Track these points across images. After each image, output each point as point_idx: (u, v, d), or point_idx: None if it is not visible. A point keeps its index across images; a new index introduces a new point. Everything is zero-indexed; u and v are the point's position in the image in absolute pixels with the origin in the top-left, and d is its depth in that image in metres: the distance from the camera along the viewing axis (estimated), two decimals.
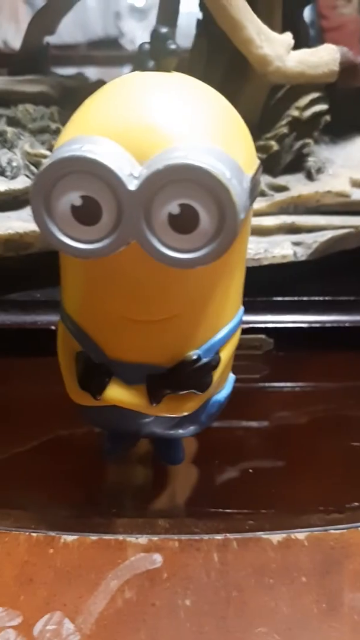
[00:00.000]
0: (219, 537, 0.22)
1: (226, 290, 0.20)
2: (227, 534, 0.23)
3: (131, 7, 1.49)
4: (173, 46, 0.19)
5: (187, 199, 0.16)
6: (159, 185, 0.16)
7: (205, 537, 0.22)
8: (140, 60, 0.19)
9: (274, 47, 0.33)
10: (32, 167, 0.32)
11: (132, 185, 0.16)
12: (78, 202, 0.16)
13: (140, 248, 0.16)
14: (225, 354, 0.21)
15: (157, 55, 0.18)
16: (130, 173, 0.16)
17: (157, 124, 0.16)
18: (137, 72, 0.19)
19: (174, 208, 0.16)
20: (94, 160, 0.15)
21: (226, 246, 0.16)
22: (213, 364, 0.20)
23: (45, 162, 0.16)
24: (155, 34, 0.18)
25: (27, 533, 0.22)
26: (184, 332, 0.20)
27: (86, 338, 0.20)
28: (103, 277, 0.18)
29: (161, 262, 0.17)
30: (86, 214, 0.16)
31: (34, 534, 0.22)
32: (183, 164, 0.15)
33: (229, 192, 0.15)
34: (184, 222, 0.16)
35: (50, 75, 0.39)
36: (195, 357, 0.20)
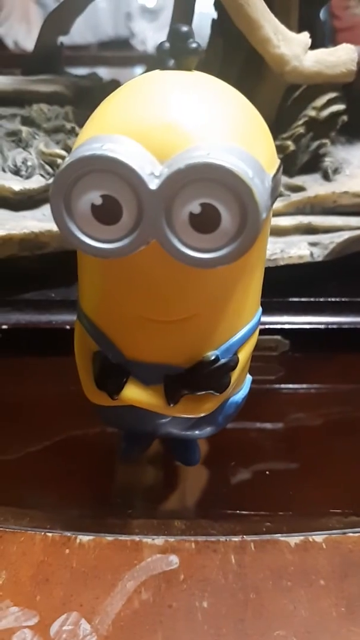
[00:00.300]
0: (236, 538, 0.22)
1: (245, 290, 0.19)
2: (244, 536, 0.22)
3: (142, 7, 1.49)
4: (194, 45, 0.18)
5: (209, 198, 0.16)
6: (181, 184, 0.15)
7: (222, 538, 0.22)
8: (160, 59, 0.18)
9: (291, 46, 0.33)
10: (47, 167, 0.32)
11: (153, 184, 0.16)
12: (98, 201, 0.16)
13: (160, 248, 0.16)
14: (244, 355, 0.21)
15: (177, 54, 0.18)
16: (151, 172, 0.16)
17: (178, 122, 0.16)
18: (157, 71, 0.19)
19: (195, 207, 0.16)
20: (115, 159, 0.15)
21: (248, 246, 0.16)
22: (231, 365, 0.20)
23: (66, 160, 0.16)
24: (175, 32, 0.18)
25: (42, 533, 0.22)
26: (202, 332, 0.19)
27: (103, 338, 0.20)
28: (122, 276, 0.18)
29: (181, 262, 0.16)
30: (106, 213, 0.16)
31: (50, 534, 0.22)
32: (205, 163, 0.15)
33: (252, 191, 0.15)
34: (205, 221, 0.16)
35: (64, 75, 0.39)
36: (213, 357, 0.20)
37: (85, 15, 0.44)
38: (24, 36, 1.19)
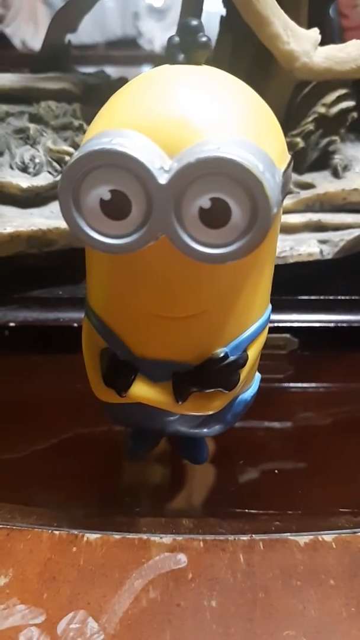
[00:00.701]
0: (244, 537, 0.22)
1: (255, 286, 0.19)
2: (253, 535, 0.22)
3: (149, 7, 1.49)
4: (204, 39, 0.18)
5: (219, 192, 0.16)
6: (190, 178, 0.15)
7: (231, 537, 0.22)
8: (170, 53, 0.18)
9: (301, 42, 0.33)
10: (55, 164, 0.32)
11: (162, 179, 0.15)
12: (107, 196, 0.16)
13: (170, 243, 0.16)
14: (253, 352, 0.20)
15: (187, 48, 0.18)
16: (161, 166, 0.15)
17: (187, 117, 0.16)
18: (166, 65, 0.18)
19: (205, 202, 0.16)
20: (124, 154, 0.15)
21: (258, 241, 0.16)
22: (240, 362, 0.20)
23: (75, 155, 0.15)
24: (184, 26, 0.18)
25: (49, 531, 0.22)
26: (211, 329, 0.19)
27: (112, 335, 0.20)
28: (130, 272, 0.18)
29: (191, 257, 0.16)
30: (115, 208, 0.16)
31: (57, 532, 0.22)
32: (215, 157, 0.15)
33: (263, 185, 0.15)
34: (215, 216, 0.16)
35: (72, 73, 0.39)
36: (222, 354, 0.19)
37: (92, 15, 0.44)
38: (32, 35, 1.19)
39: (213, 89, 0.17)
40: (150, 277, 0.18)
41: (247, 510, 0.24)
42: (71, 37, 0.42)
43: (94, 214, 0.16)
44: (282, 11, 0.32)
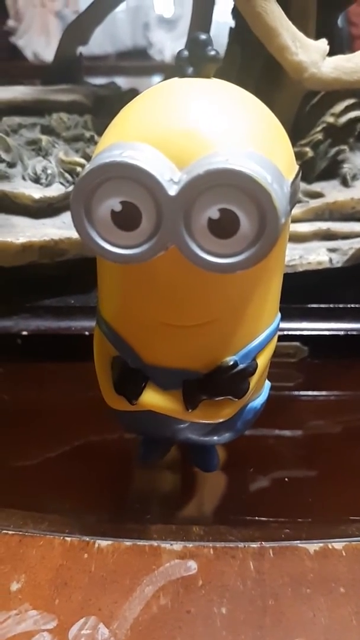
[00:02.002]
0: (254, 545, 0.22)
1: (264, 295, 0.20)
2: (263, 542, 0.22)
3: (160, 18, 1.50)
4: (212, 52, 0.19)
5: (228, 203, 0.16)
6: (199, 190, 0.16)
7: (241, 544, 0.22)
8: (179, 66, 0.19)
9: (309, 53, 0.33)
10: (67, 175, 0.32)
11: (172, 190, 0.16)
12: (118, 207, 0.16)
13: (179, 253, 0.16)
14: (262, 360, 0.20)
15: (196, 62, 0.19)
16: (171, 178, 0.16)
17: (197, 129, 0.16)
18: (175, 79, 0.19)
19: (213, 213, 0.16)
20: (135, 166, 0.16)
21: (267, 251, 0.16)
22: (250, 370, 0.20)
23: (86, 167, 0.16)
24: (193, 40, 0.19)
25: (61, 537, 0.22)
26: (221, 337, 0.19)
27: (122, 343, 0.20)
28: (141, 282, 0.18)
29: (200, 267, 0.16)
30: (126, 219, 0.16)
31: (69, 539, 0.22)
32: (224, 168, 0.15)
33: (270, 196, 0.15)
34: (224, 226, 0.16)
35: (83, 85, 0.39)
36: (232, 362, 0.20)
37: (103, 26, 0.45)
38: (44, 48, 1.21)
39: (222, 102, 0.18)
40: (160, 287, 0.18)
41: (257, 518, 0.24)
42: (82, 48, 0.43)
43: (105, 225, 0.16)
44: (290, 23, 0.32)
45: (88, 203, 0.16)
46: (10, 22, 1.23)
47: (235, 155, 0.16)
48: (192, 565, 0.21)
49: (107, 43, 1.36)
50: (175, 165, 0.16)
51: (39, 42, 1.23)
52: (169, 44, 1.44)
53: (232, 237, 0.16)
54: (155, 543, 0.22)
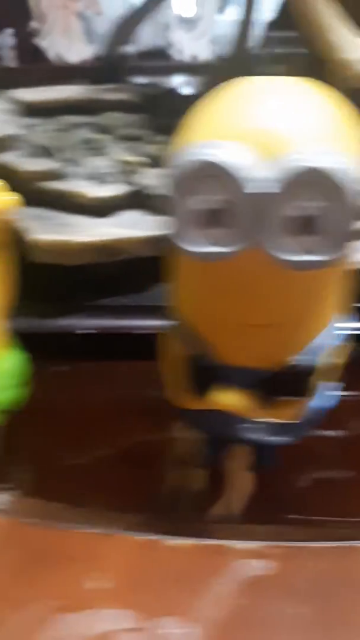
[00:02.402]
0: (315, 544, 0.22)
1: (339, 293, 0.19)
2: (327, 542, 0.22)
3: (180, 17, 1.50)
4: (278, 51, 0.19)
5: (311, 201, 0.16)
6: (288, 188, 0.16)
7: (302, 544, 0.22)
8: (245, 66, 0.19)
9: (355, 51, 0.33)
10: (123, 174, 0.32)
11: (257, 188, 0.16)
12: (205, 205, 0.16)
13: (262, 251, 0.16)
14: (333, 361, 0.20)
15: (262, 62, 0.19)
16: (258, 176, 0.16)
17: (281, 127, 0.16)
18: (247, 77, 0.19)
19: (297, 211, 0.16)
20: (222, 164, 0.16)
21: (349, 248, 0.16)
22: (323, 370, 0.20)
23: (179, 165, 0.16)
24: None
25: (132, 536, 0.22)
26: (294, 336, 0.19)
27: (197, 341, 0.20)
28: (221, 281, 0.18)
29: (284, 265, 0.17)
30: (212, 217, 0.16)
31: (137, 537, 0.22)
32: (308, 167, 0.16)
33: (354, 194, 0.15)
34: (306, 224, 0.16)
35: (129, 84, 0.39)
36: (306, 362, 0.20)
37: None
38: (66, 49, 1.21)
39: (302, 99, 0.18)
40: (241, 285, 0.18)
41: (317, 518, 0.24)
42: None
43: (192, 223, 0.16)
44: (338, 19, 0.32)
45: (177, 201, 0.16)
46: (34, 24, 1.23)
47: (319, 153, 0.16)
48: (259, 564, 0.21)
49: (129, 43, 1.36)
50: (261, 163, 0.16)
51: (62, 43, 1.23)
52: (188, 44, 1.44)
53: (315, 235, 0.16)
54: (222, 542, 0.22)
